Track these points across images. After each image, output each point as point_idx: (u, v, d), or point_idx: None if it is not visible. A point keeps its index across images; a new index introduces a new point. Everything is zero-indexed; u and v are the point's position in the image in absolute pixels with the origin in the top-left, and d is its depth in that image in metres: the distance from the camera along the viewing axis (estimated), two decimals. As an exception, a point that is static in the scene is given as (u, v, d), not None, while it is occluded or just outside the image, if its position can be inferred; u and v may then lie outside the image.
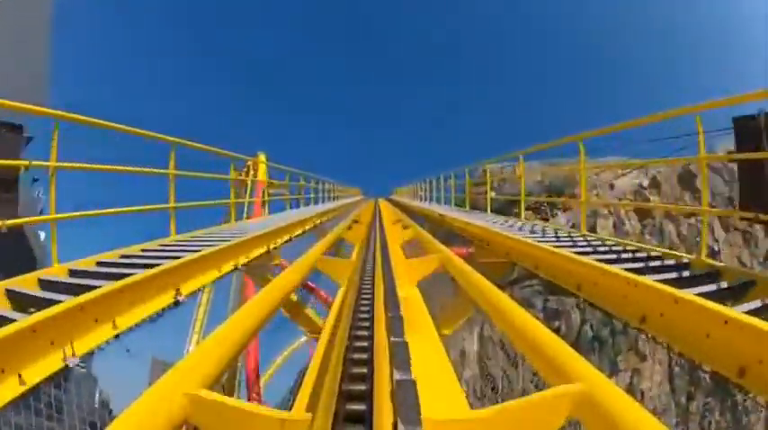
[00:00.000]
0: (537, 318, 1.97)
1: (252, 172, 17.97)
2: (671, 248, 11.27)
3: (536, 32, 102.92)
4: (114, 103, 71.49)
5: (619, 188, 13.61)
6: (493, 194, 9.97)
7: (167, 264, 3.53)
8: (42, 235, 22.54)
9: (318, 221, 8.92)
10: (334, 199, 19.29)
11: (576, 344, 9.85)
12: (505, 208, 17.74)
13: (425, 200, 17.62)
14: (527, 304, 9.84)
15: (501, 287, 3.03)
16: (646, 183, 11.92)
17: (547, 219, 14.48)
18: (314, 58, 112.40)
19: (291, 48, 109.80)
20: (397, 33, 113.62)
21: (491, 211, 9.41)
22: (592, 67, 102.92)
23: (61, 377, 2.39)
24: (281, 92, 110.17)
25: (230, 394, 15.41)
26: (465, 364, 10.16)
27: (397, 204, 18.26)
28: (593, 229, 10.97)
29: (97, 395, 20.98)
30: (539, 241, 4.69)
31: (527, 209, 16.79)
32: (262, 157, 17.84)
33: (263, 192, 7.98)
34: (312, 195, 14.42)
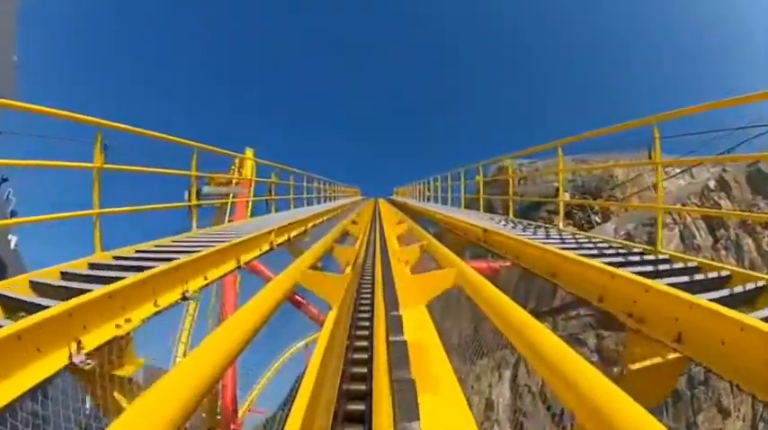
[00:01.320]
0: (592, 363, 1.29)
1: (238, 170, 16.29)
2: (752, 269, 9.04)
3: (534, 31, 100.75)
4: (91, 101, 69.20)
5: (670, 191, 11.36)
6: (567, 196, 7.61)
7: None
8: (13, 240, 20.52)
9: (287, 237, 6.51)
10: (325, 199, 17.39)
11: (643, 398, 7.59)
12: (526, 211, 15.54)
13: (438, 201, 15.48)
14: (575, 342, 7.50)
15: (538, 317, 1.88)
16: (713, 184, 9.68)
17: (582, 227, 12.21)
18: (314, 57, 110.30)
19: (290, 46, 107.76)
20: (399, 33, 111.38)
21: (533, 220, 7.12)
22: (590, 66, 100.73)
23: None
24: (281, 91, 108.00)
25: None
26: (491, 418, 7.74)
27: (401, 207, 15.96)
28: (652, 242, 8.71)
29: (88, 403, 19.49)
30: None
31: (557, 213, 14.59)
32: (249, 154, 16.08)
33: (196, 192, 5.95)
34: (291, 196, 12.01)
